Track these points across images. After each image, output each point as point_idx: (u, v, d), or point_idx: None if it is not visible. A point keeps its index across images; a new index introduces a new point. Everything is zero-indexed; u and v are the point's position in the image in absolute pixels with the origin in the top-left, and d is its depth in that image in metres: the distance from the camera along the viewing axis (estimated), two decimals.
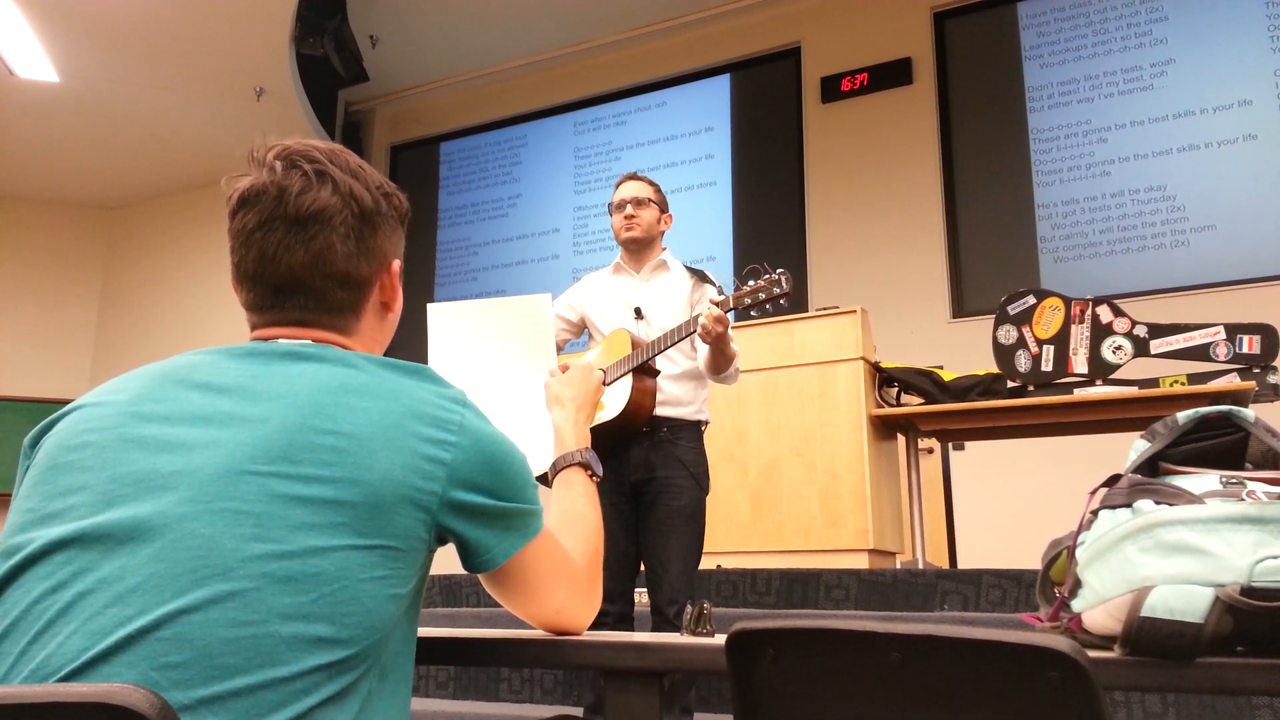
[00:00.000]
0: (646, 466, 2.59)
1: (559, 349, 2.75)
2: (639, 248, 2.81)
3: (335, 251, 0.94)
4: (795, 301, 6.05)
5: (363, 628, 0.80)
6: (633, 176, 2.87)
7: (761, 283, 2.48)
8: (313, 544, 0.79)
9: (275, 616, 0.76)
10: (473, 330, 1.36)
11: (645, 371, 2.55)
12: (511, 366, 1.35)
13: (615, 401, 2.51)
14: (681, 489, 2.59)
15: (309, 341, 0.93)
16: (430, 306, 1.36)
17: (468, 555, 0.94)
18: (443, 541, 0.91)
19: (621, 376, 2.52)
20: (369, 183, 0.98)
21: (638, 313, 2.72)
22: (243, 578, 0.77)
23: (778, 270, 2.46)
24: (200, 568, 0.77)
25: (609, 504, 2.48)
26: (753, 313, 2.53)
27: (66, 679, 0.73)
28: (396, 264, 1.02)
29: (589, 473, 1.21)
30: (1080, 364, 3.81)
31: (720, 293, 2.54)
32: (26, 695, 0.64)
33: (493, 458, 0.91)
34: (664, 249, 2.87)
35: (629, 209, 2.78)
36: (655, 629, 2.54)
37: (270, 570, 0.77)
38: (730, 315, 2.50)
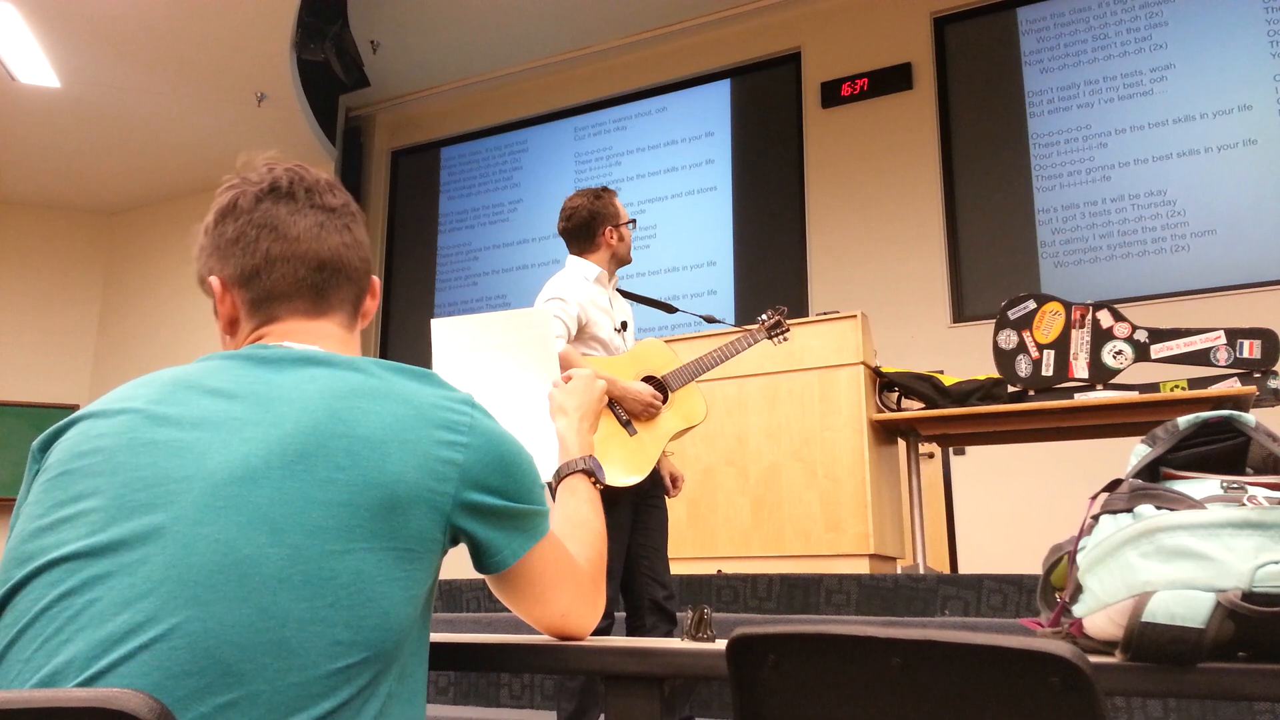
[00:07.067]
0: (653, 476, 2.69)
1: None
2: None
3: (357, 242, 1.02)
4: (796, 306, 6.09)
5: (380, 630, 0.80)
6: None
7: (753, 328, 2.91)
8: (329, 547, 0.79)
9: (292, 621, 0.76)
10: (476, 343, 1.37)
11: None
12: (515, 378, 1.36)
13: (696, 410, 2.71)
14: (662, 494, 2.78)
15: (318, 348, 0.94)
16: (434, 322, 1.37)
17: (479, 556, 0.95)
18: (455, 542, 0.92)
19: (687, 383, 2.71)
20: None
21: (623, 326, 2.82)
22: (258, 583, 0.76)
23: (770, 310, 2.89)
24: (214, 573, 0.76)
25: (626, 511, 2.58)
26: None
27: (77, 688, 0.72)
28: (375, 281, 1.08)
29: (592, 479, 1.22)
30: (1081, 369, 3.81)
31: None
32: (26, 700, 0.64)
33: (502, 458, 0.92)
34: None
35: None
36: (652, 628, 2.57)
37: (286, 575, 0.77)
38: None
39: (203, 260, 1.00)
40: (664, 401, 2.64)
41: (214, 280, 0.98)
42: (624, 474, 2.51)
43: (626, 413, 2.59)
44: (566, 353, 2.51)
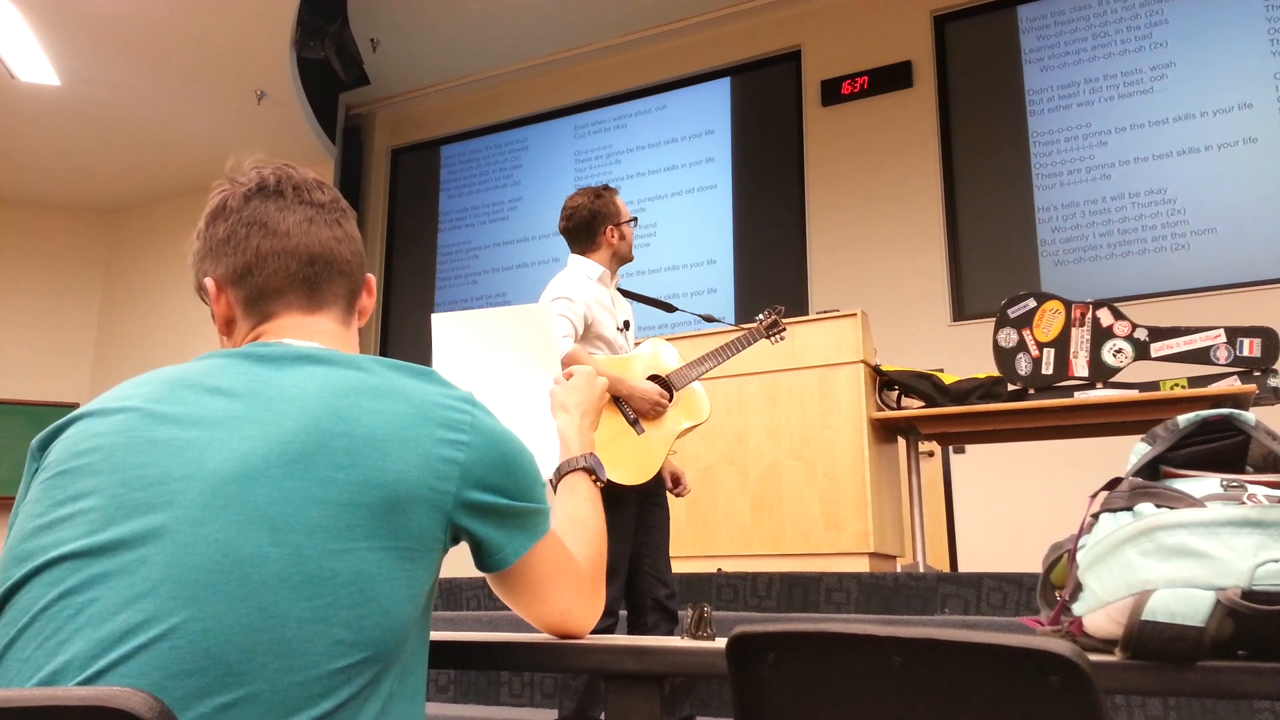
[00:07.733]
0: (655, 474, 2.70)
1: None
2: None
3: (349, 236, 1.02)
4: (796, 305, 6.09)
5: (381, 629, 0.80)
6: None
7: (752, 326, 2.97)
8: (329, 547, 0.79)
9: (292, 621, 0.76)
10: (477, 339, 1.36)
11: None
12: (516, 374, 1.35)
13: (700, 408, 2.75)
14: (664, 493, 2.80)
15: (317, 345, 0.94)
16: (434, 317, 1.36)
17: (480, 554, 0.95)
18: (456, 541, 0.92)
19: (698, 376, 2.75)
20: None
21: (625, 325, 2.82)
22: (258, 582, 0.76)
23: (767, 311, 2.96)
24: (214, 573, 0.76)
25: (631, 510, 2.58)
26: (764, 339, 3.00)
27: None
28: (370, 278, 1.07)
29: (593, 477, 1.21)
30: (1081, 367, 3.81)
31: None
32: (25, 699, 0.64)
33: (504, 456, 0.92)
34: None
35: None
36: (654, 627, 2.58)
37: (287, 574, 0.77)
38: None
39: (197, 264, 1.00)
40: (669, 400, 2.64)
41: (208, 281, 0.98)
42: (633, 472, 2.51)
43: (634, 411, 2.59)
44: (575, 352, 2.51)
